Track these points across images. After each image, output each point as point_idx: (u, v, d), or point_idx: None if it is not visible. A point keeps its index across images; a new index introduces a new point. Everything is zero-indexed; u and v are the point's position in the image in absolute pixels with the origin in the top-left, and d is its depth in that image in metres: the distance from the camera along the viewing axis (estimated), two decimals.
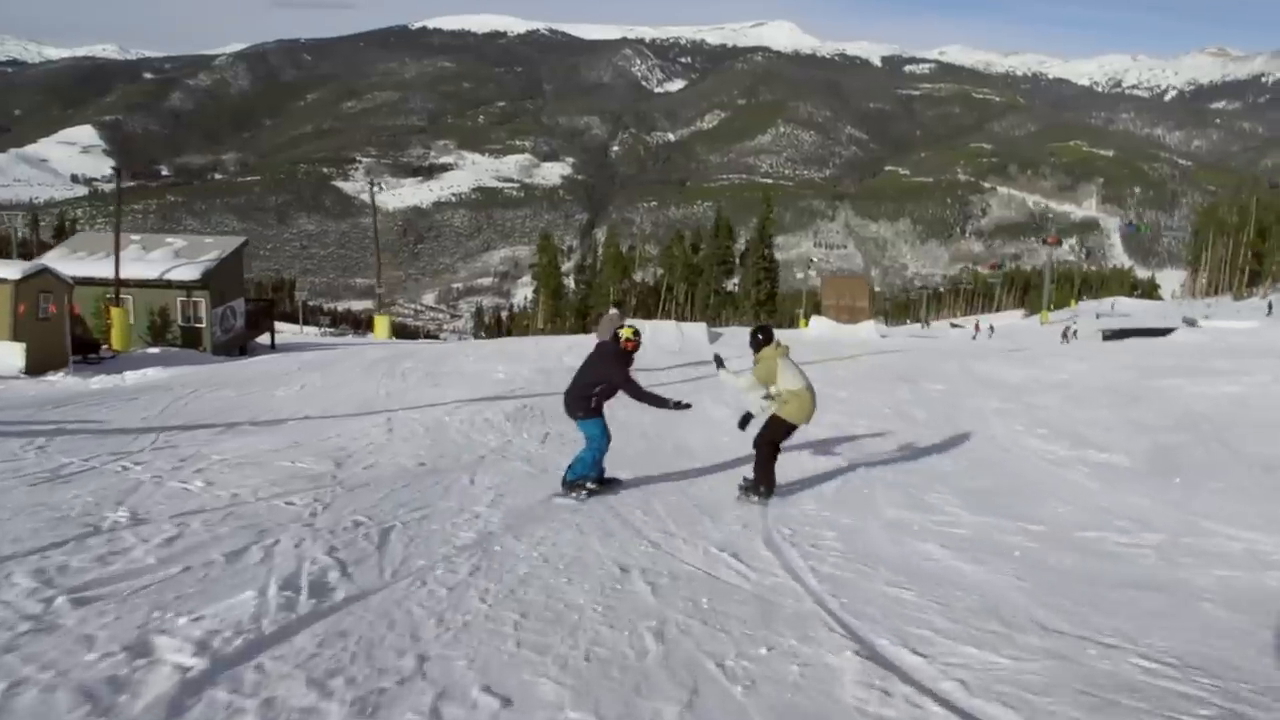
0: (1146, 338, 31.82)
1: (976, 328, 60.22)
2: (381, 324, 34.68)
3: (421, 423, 10.75)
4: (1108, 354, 22.95)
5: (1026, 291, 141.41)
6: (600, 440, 8.04)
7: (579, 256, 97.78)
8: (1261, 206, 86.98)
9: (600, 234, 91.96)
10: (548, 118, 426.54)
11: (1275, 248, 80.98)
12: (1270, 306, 58.10)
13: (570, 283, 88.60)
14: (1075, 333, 45.40)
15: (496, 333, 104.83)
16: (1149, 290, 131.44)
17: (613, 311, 18.71)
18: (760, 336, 8.32)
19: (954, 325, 79.86)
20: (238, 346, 24.97)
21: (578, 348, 21.35)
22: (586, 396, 8.06)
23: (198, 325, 24.10)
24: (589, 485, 7.92)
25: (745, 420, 8.66)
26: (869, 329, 43.25)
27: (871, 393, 14.85)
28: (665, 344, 22.08)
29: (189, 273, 23.85)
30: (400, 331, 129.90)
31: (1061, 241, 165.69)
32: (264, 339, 27.70)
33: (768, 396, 8.15)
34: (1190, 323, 39.28)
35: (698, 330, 25.52)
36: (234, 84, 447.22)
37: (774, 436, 8.01)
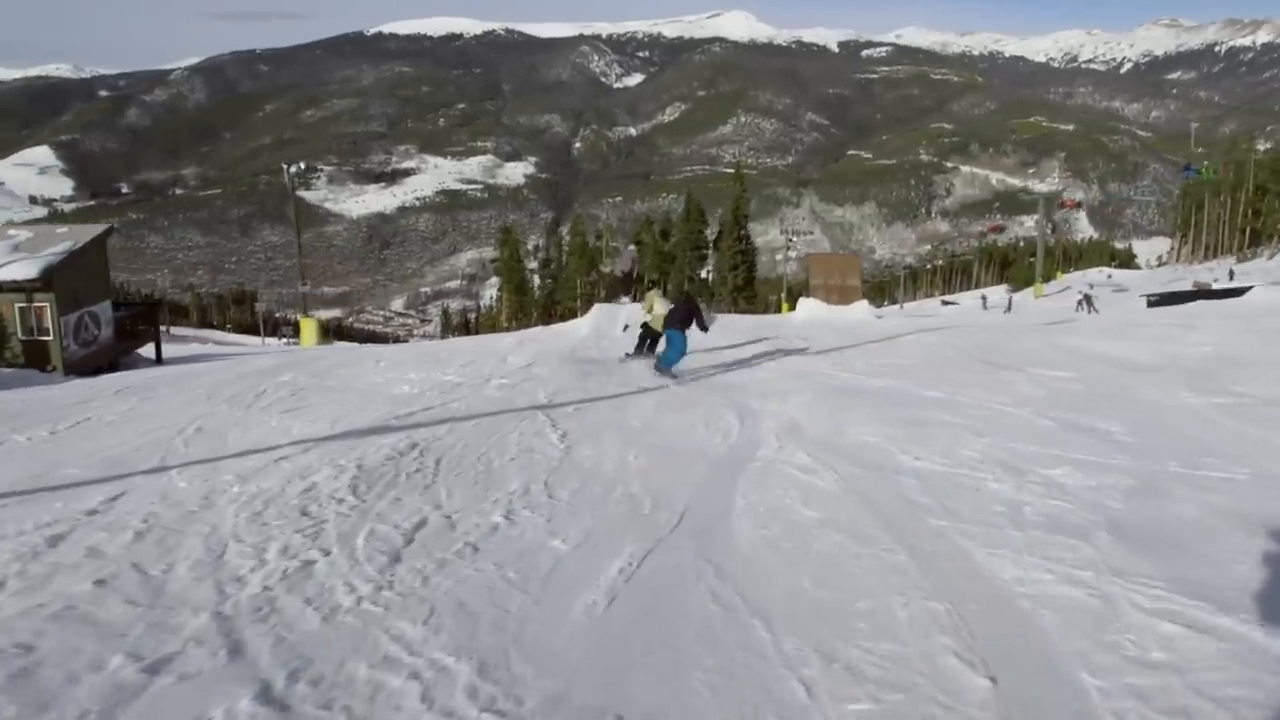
0: (1212, 301, 27.01)
1: (986, 301, 55.17)
2: (308, 328, 29.15)
3: (164, 511, 5.50)
4: (1202, 321, 18.09)
5: (1005, 267, 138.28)
6: (682, 347, 11.91)
7: (543, 251, 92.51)
8: (1257, 165, 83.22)
9: (566, 231, 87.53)
10: (508, 118, 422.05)
11: (1275, 205, 77.19)
12: None
13: (536, 279, 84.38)
14: (1089, 301, 41.42)
15: (464, 333, 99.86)
16: (1126, 260, 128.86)
17: (631, 248, 21.80)
18: (649, 284, 9.95)
19: (946, 303, 75.44)
20: (105, 362, 19.45)
21: (528, 343, 16.15)
22: (680, 321, 12.08)
23: (44, 338, 18.70)
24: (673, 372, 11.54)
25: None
26: (863, 310, 38.24)
27: (976, 388, 9.79)
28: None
29: (25, 270, 18.26)
30: (369, 338, 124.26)
31: (1004, 229, 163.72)
32: (148, 350, 22.24)
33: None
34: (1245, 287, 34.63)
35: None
36: (191, 98, 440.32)
37: (651, 334, 13.08)
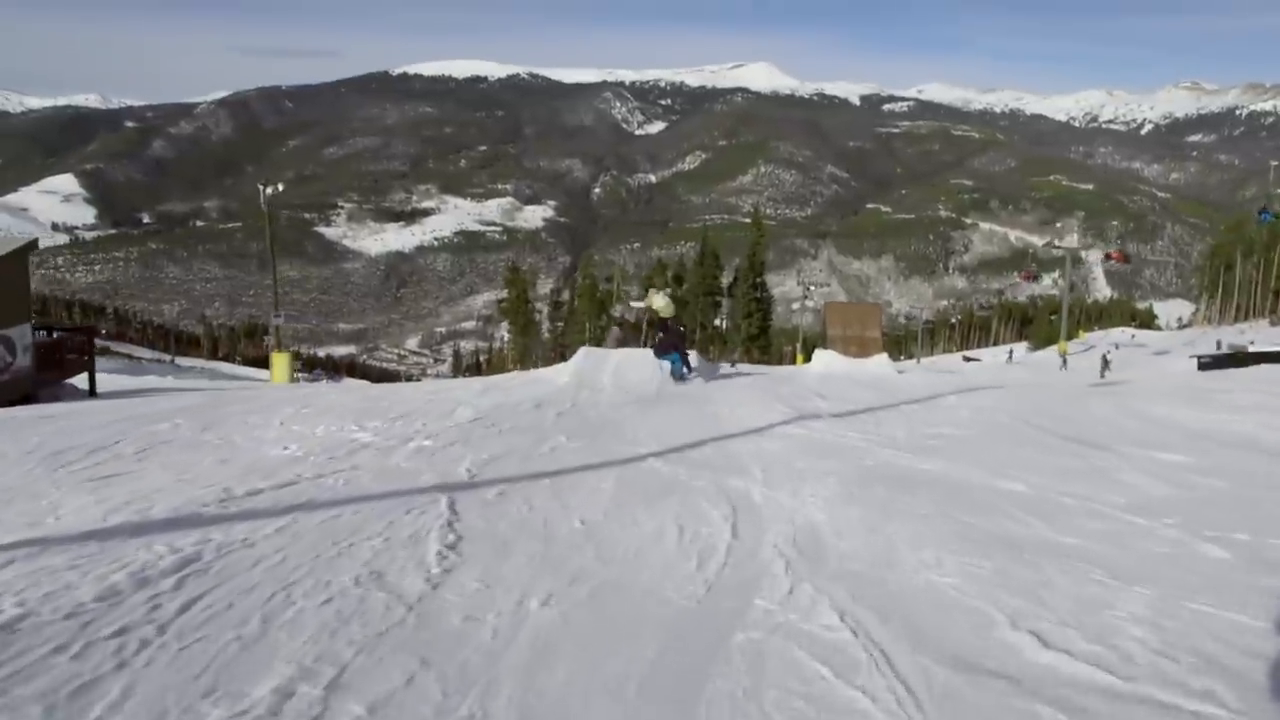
0: (1272, 365, 24.18)
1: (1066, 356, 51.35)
2: (280, 364, 26.49)
3: None
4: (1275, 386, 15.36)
5: (1025, 324, 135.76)
6: (679, 365, 14.66)
7: (553, 292, 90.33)
8: None
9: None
10: (529, 161, 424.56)
11: None
12: None
13: (545, 320, 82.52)
14: (1109, 363, 39.49)
15: (476, 373, 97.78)
16: (1147, 321, 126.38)
17: (615, 330, 22.75)
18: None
19: (968, 358, 72.63)
20: (18, 394, 16.86)
21: (495, 391, 13.46)
22: (666, 349, 15.16)
23: None
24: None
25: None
26: (883, 363, 35.61)
27: (1071, 477, 7.05)
28: (633, 384, 14.18)
29: None
30: (382, 376, 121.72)
31: (1038, 276, 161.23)
32: (80, 380, 19.67)
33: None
34: None
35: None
36: (216, 131, 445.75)
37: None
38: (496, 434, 8.97)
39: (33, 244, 18.20)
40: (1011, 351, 70.30)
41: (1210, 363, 29.96)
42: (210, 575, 4.08)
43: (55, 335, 20.00)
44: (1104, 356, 40.55)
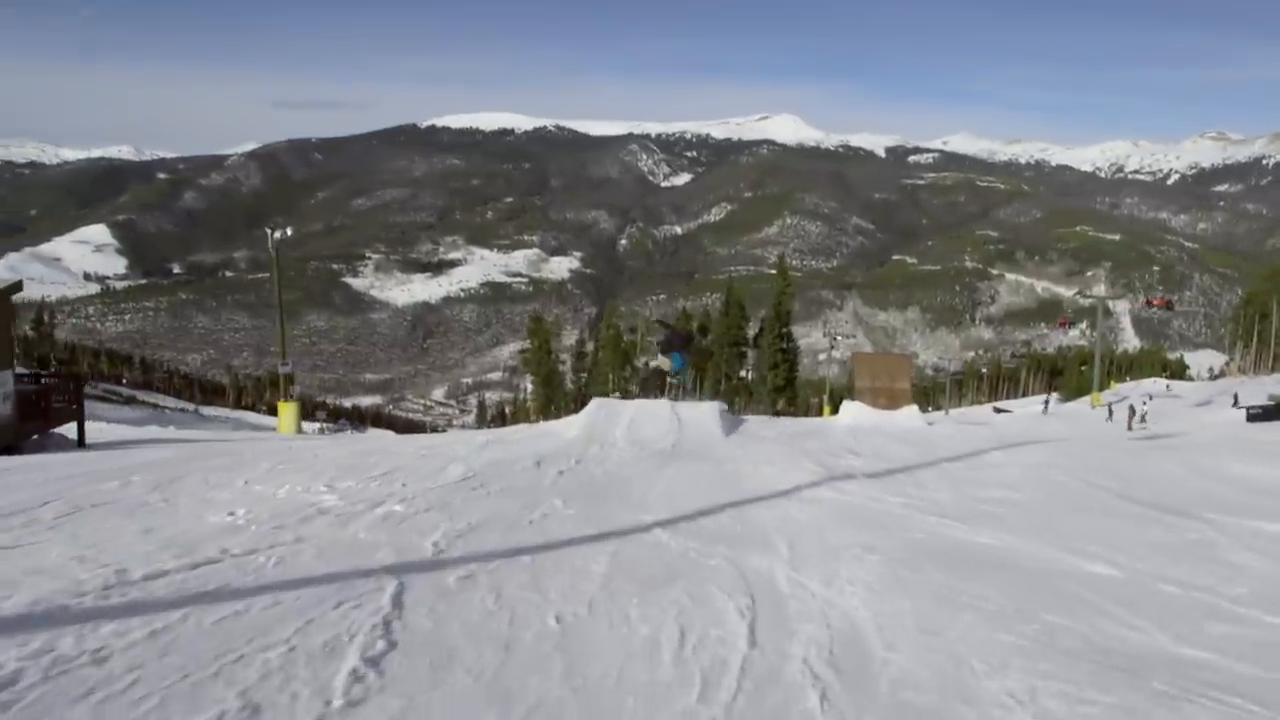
0: None
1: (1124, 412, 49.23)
2: (287, 413, 25.40)
3: None
4: None
5: (1054, 375, 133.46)
6: (681, 364, 17.17)
7: (577, 343, 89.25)
8: None
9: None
10: (555, 213, 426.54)
11: None
12: None
13: (569, 370, 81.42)
14: (1144, 416, 37.76)
15: (501, 424, 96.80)
16: (1178, 371, 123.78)
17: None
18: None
19: (998, 410, 70.61)
20: (1, 445, 15.91)
21: (497, 445, 12.33)
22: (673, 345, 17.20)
23: None
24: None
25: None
26: (912, 415, 34.34)
27: (1162, 556, 5.80)
28: (648, 439, 12.99)
29: None
30: (407, 427, 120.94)
31: (1074, 323, 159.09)
32: (69, 429, 18.69)
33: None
34: None
35: (707, 416, 15.66)
36: (246, 183, 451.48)
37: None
38: (483, 496, 7.82)
39: (15, 286, 17.36)
40: (1048, 401, 68.26)
41: (1260, 414, 28.29)
42: (10, 715, 2.93)
43: (41, 382, 19.03)
44: (1131, 406, 38.85)
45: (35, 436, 17.63)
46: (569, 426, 14.21)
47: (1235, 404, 38.09)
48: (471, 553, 5.64)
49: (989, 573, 5.35)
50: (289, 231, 26.06)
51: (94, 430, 22.69)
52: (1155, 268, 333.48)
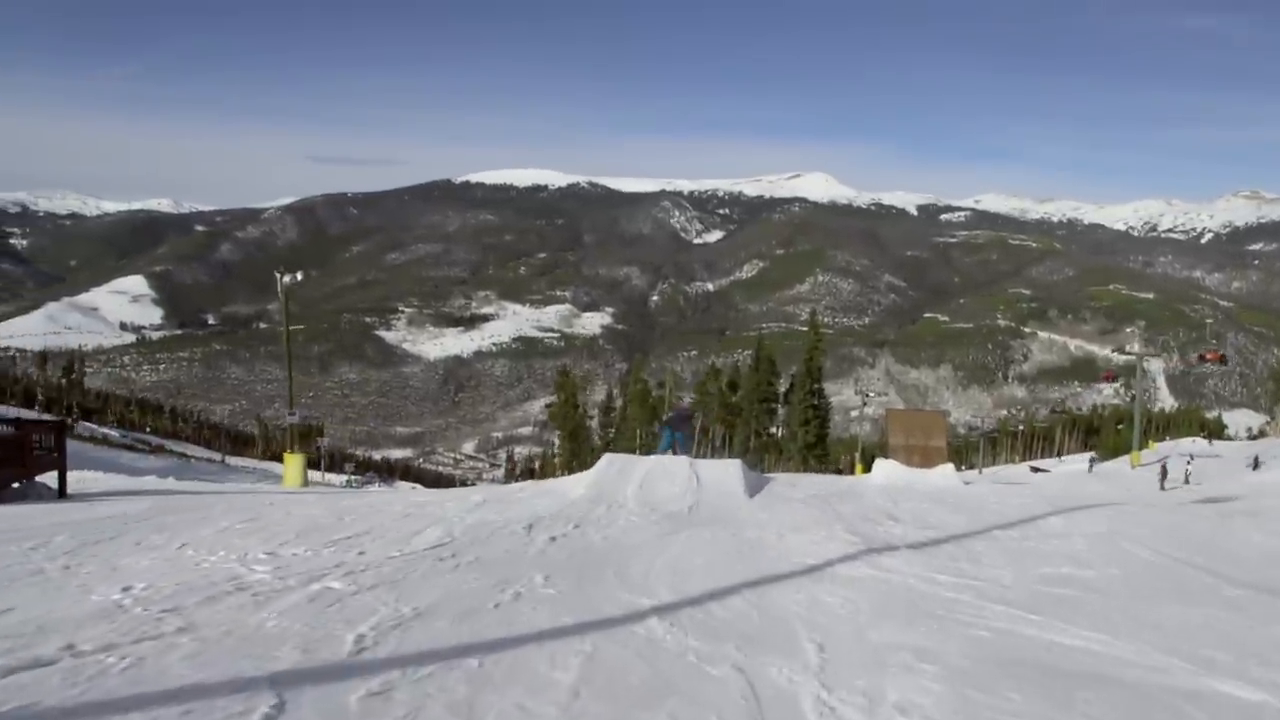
0: None
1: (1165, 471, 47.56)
2: (293, 465, 24.14)
3: None
4: None
5: (1090, 434, 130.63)
6: (667, 444, 16.21)
7: (606, 398, 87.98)
8: None
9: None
10: (588, 268, 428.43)
11: None
12: None
13: (596, 425, 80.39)
14: (1188, 476, 36.23)
15: (529, 478, 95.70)
16: (1216, 430, 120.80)
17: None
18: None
19: (1035, 469, 68.42)
20: None
21: (494, 504, 11.02)
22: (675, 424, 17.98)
23: None
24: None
25: None
26: (948, 474, 32.66)
27: None
28: (662, 499, 11.64)
29: None
30: (436, 481, 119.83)
31: (1118, 377, 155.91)
32: (49, 477, 17.58)
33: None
34: None
35: (728, 474, 14.05)
36: (282, 236, 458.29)
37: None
38: (449, 570, 6.51)
39: None
40: (1093, 460, 65.93)
41: None
42: None
43: (21, 427, 17.93)
44: (1163, 466, 37.30)
45: (16, 485, 16.63)
46: (576, 484, 12.89)
47: None
48: (404, 652, 4.33)
49: (1085, 692, 3.96)
50: (299, 276, 25.20)
51: (86, 479, 21.66)
52: (1192, 331, 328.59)
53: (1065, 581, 6.92)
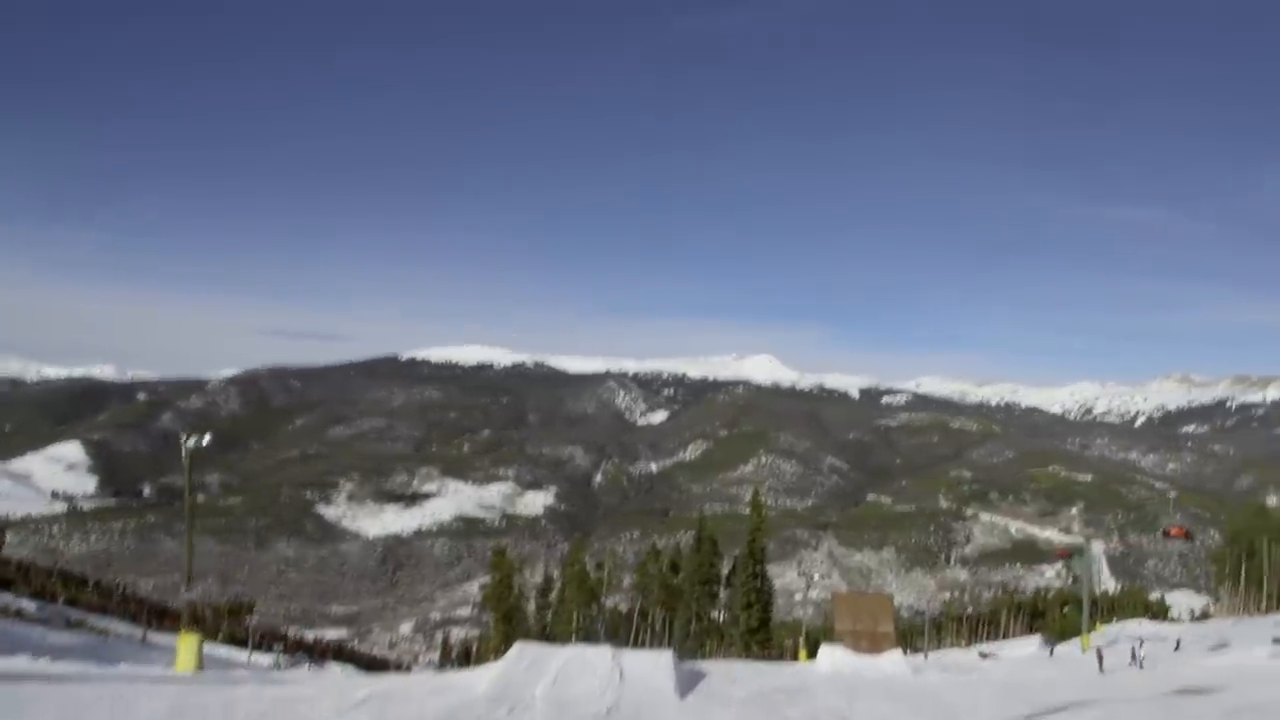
0: None
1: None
2: (185, 648, 21.63)
3: None
4: None
5: (1035, 616, 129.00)
6: None
7: (544, 580, 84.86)
8: None
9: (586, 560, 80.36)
10: (531, 447, 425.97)
11: None
12: None
13: (533, 607, 77.39)
14: (1142, 660, 36.51)
15: (465, 664, 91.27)
16: (1160, 612, 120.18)
17: None
18: None
19: (984, 655, 66.48)
20: None
21: (374, 702, 9.28)
22: None
23: None
24: None
25: None
26: (896, 662, 31.34)
27: None
28: (577, 698, 9.99)
29: None
30: (371, 664, 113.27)
31: (1072, 554, 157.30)
32: None
33: None
34: None
35: (657, 669, 12.11)
36: (224, 407, 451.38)
37: None
38: None
39: None
40: (1053, 646, 64.25)
41: None
42: None
43: None
44: (1099, 650, 36.70)
45: None
46: (480, 678, 11.15)
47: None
48: None
49: None
50: (206, 440, 23.56)
51: None
52: (1130, 513, 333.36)
53: None
